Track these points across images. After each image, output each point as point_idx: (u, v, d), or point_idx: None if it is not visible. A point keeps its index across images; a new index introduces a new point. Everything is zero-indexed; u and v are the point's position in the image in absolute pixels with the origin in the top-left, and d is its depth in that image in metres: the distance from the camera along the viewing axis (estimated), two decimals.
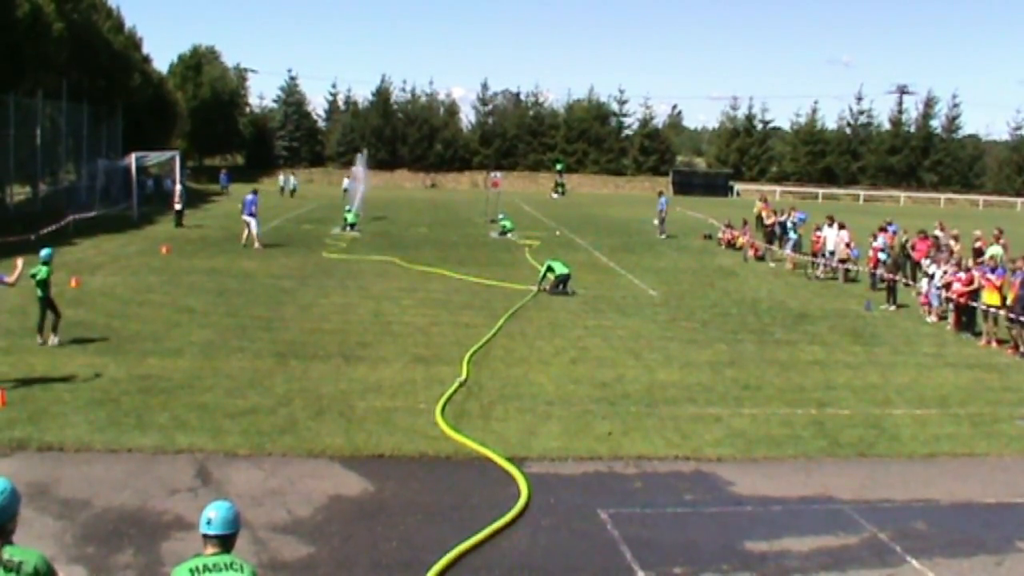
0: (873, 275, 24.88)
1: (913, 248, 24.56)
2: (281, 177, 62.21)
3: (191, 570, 4.76)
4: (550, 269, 22.11)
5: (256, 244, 28.35)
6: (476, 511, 8.99)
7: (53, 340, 14.86)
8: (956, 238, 24.81)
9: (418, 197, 56.68)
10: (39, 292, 14.77)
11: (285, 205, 48.12)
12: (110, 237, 29.83)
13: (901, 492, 10.16)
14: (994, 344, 17.97)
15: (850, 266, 26.23)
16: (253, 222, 28.81)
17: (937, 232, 26.39)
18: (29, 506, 8.50)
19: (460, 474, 10.09)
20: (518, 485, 9.62)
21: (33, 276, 14.60)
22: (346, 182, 46.88)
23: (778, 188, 76.38)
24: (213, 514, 4.98)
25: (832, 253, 26.73)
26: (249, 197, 29.35)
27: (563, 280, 21.92)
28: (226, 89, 79.08)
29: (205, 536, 4.96)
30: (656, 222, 38.22)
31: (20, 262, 13.36)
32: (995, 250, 22.40)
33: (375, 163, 76.18)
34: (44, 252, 15.20)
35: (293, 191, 58.35)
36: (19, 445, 10.21)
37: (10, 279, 13.12)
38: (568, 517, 9.07)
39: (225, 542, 4.97)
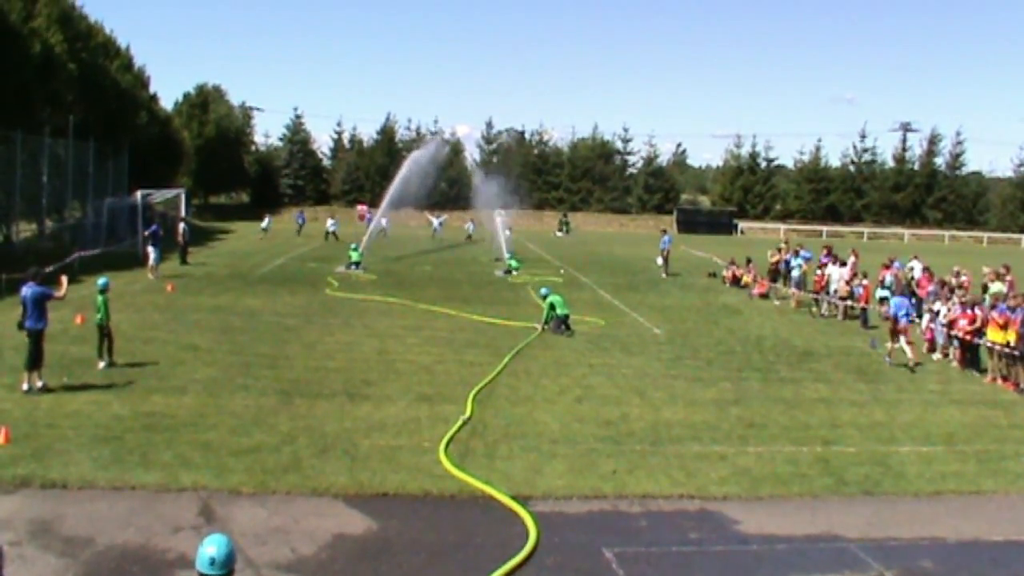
0: (863, 311, 24.86)
1: (918, 285, 24.57)
2: (329, 222, 53.17)
3: None
4: (552, 307, 22.12)
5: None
6: (480, 550, 8.95)
7: (99, 364, 16.01)
8: (959, 274, 24.78)
9: (423, 235, 56.80)
10: (99, 319, 16.13)
11: (292, 243, 48.27)
12: (115, 275, 29.80)
13: (907, 530, 10.10)
14: (999, 381, 17.92)
15: (853, 303, 26.21)
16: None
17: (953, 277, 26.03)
18: (32, 544, 8.51)
19: (464, 513, 10.05)
20: (525, 525, 9.57)
21: (97, 305, 16.13)
22: (374, 222, 45.39)
23: (782, 226, 76.56)
24: (212, 549, 4.98)
25: (836, 291, 26.75)
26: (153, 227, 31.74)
27: (562, 321, 21.91)
28: (232, 127, 79.81)
29: None
30: (660, 261, 38.29)
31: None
32: (997, 287, 22.33)
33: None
34: (101, 281, 16.61)
35: (334, 234, 50.76)
36: (23, 482, 10.20)
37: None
38: (573, 556, 9.02)
39: None
